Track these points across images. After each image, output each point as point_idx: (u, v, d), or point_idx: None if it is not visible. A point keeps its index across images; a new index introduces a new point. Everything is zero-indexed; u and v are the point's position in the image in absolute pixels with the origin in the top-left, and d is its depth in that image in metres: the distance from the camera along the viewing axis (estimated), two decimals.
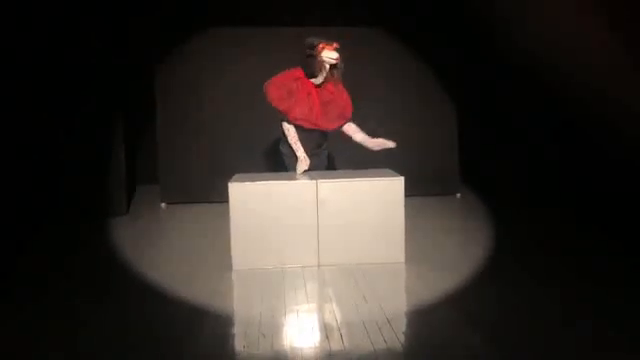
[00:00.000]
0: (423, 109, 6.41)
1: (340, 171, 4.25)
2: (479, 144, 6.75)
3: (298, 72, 4.04)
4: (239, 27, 6.17)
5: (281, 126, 4.17)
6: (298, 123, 4.06)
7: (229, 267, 3.78)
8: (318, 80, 4.02)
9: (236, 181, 3.85)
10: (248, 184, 3.82)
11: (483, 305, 3.11)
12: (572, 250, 4.15)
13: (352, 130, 4.22)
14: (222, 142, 6.26)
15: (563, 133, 5.61)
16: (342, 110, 4.17)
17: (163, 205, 6.24)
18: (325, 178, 3.90)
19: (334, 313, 2.99)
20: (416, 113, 6.41)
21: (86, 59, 5.40)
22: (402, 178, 3.86)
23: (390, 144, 4.14)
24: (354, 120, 4.28)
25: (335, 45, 3.95)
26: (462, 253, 4.19)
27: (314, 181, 3.83)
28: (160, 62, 6.18)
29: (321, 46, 3.91)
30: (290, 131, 4.10)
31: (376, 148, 4.17)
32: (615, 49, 4.08)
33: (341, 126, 4.21)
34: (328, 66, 3.98)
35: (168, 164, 6.26)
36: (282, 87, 4.01)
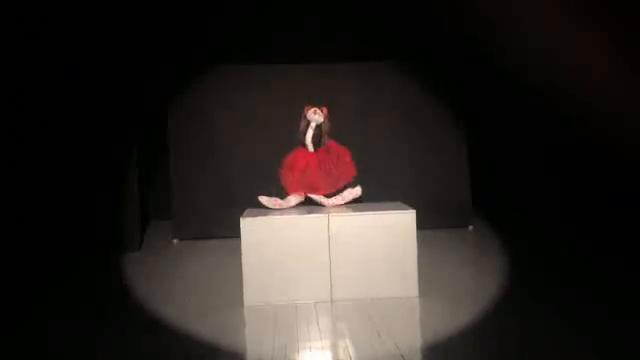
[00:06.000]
0: (433, 142, 6.44)
1: (351, 204, 4.26)
2: (490, 176, 6.73)
3: (299, 149, 4.33)
4: (252, 64, 6.30)
5: None
6: (297, 193, 4.22)
7: (241, 303, 3.76)
8: (308, 141, 4.22)
9: (248, 216, 3.87)
10: (260, 219, 3.83)
11: (501, 340, 3.05)
12: (590, 281, 4.08)
13: (348, 192, 4.29)
14: (234, 178, 6.30)
15: (576, 162, 5.59)
16: (342, 174, 4.29)
17: (175, 241, 6.25)
18: (336, 212, 3.90)
19: (348, 349, 2.94)
20: (426, 146, 6.43)
21: (101, 95, 5.52)
22: (414, 211, 3.85)
23: (316, 198, 4.25)
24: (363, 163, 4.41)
25: (322, 108, 4.27)
26: (476, 286, 4.14)
27: (325, 215, 3.83)
28: (174, 99, 6.30)
29: (307, 108, 4.28)
30: (288, 200, 4.23)
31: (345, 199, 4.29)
32: (615, 73, 4.11)
33: (340, 189, 4.28)
34: (314, 125, 4.24)
35: (181, 200, 6.30)
36: (286, 165, 4.33)
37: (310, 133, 4.26)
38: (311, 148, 4.27)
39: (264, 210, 4.17)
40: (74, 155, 5.48)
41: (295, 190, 4.24)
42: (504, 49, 5.20)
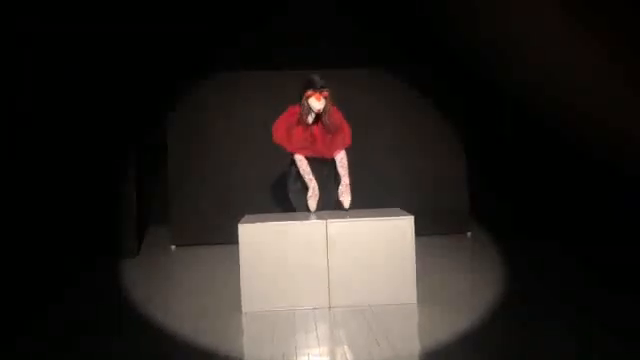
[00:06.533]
0: (432, 148, 6.46)
1: (349, 210, 4.26)
2: (488, 182, 6.74)
3: (297, 108, 4.22)
4: (248, 71, 6.32)
5: (291, 161, 4.31)
6: (300, 153, 4.20)
7: (239, 309, 3.75)
8: (308, 122, 4.15)
9: (246, 222, 3.86)
10: (258, 225, 3.82)
11: (499, 347, 3.04)
12: (589, 286, 4.08)
13: (339, 162, 4.27)
14: (232, 184, 6.31)
15: (575, 168, 5.61)
16: (343, 136, 4.29)
17: (173, 247, 6.24)
18: (334, 218, 3.90)
19: (346, 356, 2.93)
20: (425, 152, 6.44)
21: (100, 101, 5.53)
22: (412, 217, 3.84)
23: (346, 203, 4.23)
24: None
25: (324, 94, 4.13)
26: (475, 293, 4.13)
27: (324, 221, 3.83)
28: (172, 102, 6.30)
29: (309, 93, 4.11)
30: (302, 162, 4.21)
31: (340, 196, 4.25)
32: (615, 80, 4.14)
33: (341, 150, 4.28)
34: (314, 113, 4.15)
35: (178, 206, 6.29)
36: (283, 124, 4.24)
37: (311, 119, 4.15)
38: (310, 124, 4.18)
39: (262, 216, 4.17)
40: (72, 160, 5.47)
41: (299, 150, 4.17)
42: (504, 55, 5.23)
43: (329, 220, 3.83)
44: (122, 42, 5.58)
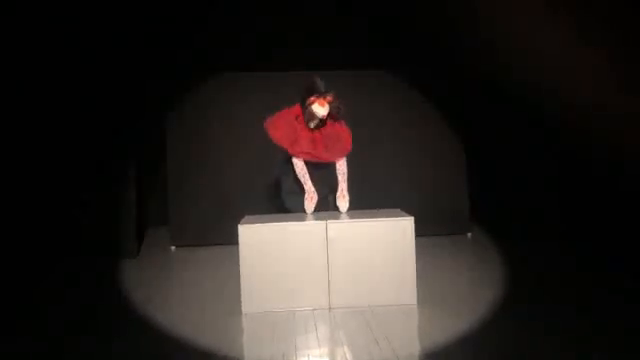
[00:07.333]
0: (432, 149, 6.45)
1: (350, 211, 4.25)
2: (489, 183, 6.73)
3: (297, 109, 4.14)
4: (249, 72, 6.31)
5: (285, 161, 4.23)
6: (301, 157, 4.13)
7: (239, 310, 3.75)
8: (310, 126, 4.10)
9: (246, 223, 3.86)
10: (258, 226, 3.82)
11: (499, 348, 3.04)
12: (589, 287, 4.08)
13: (339, 167, 4.22)
14: (232, 185, 6.30)
15: (575, 169, 5.61)
16: (343, 143, 4.21)
17: (173, 248, 6.24)
18: (334, 218, 3.90)
19: (346, 357, 2.93)
20: (425, 153, 6.44)
21: (100, 101, 5.53)
22: (412, 218, 3.84)
23: (342, 208, 4.17)
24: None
25: (328, 99, 4.02)
26: (475, 294, 4.13)
27: (324, 222, 3.83)
28: (172, 102, 6.30)
29: (312, 99, 4.01)
30: (298, 165, 4.16)
31: (337, 202, 4.20)
32: (615, 80, 4.14)
33: (342, 157, 4.23)
34: (317, 119, 4.08)
35: (178, 207, 6.28)
36: (284, 125, 4.14)
37: (313, 125, 4.07)
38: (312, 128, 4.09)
39: (262, 217, 4.16)
40: (73, 161, 5.47)
41: (301, 154, 4.08)
42: (504, 55, 5.22)
43: (329, 221, 3.83)
44: (122, 42, 5.58)
